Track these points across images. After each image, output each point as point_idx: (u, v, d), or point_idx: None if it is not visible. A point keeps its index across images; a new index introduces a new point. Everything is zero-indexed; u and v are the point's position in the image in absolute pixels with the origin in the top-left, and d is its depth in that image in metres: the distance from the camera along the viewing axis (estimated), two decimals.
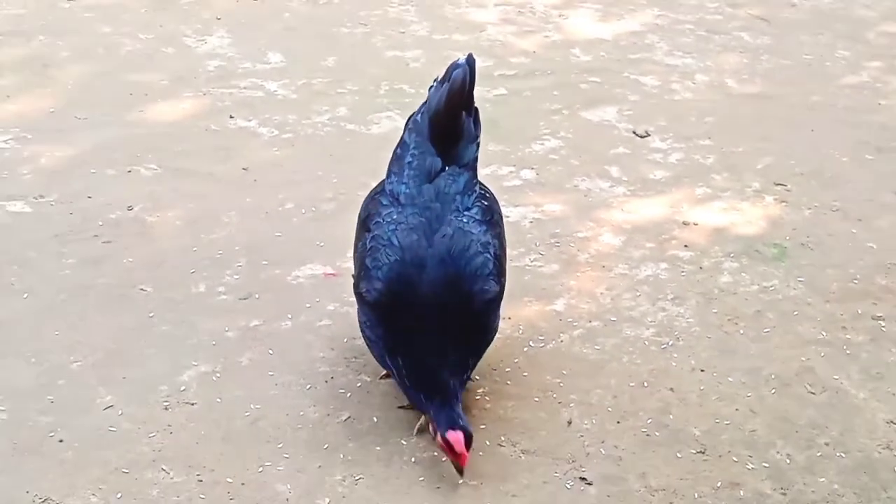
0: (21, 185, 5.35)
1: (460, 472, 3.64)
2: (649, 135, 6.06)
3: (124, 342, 4.30)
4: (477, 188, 3.95)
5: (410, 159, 3.90)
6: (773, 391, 4.13)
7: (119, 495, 3.59)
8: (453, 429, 3.59)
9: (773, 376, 4.20)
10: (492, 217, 3.92)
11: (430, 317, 3.67)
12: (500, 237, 3.96)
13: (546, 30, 7.51)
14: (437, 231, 3.75)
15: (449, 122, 3.86)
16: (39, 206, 5.18)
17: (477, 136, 3.97)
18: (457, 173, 3.88)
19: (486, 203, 3.93)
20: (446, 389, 3.67)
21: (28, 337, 4.31)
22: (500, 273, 3.85)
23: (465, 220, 3.79)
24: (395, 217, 3.81)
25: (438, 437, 3.63)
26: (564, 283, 4.74)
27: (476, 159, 3.99)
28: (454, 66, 3.80)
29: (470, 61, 3.81)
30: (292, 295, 4.56)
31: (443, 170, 3.86)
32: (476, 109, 3.95)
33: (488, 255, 3.77)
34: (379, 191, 4.01)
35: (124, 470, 3.69)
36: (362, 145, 5.87)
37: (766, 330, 4.47)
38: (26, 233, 4.98)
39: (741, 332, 4.46)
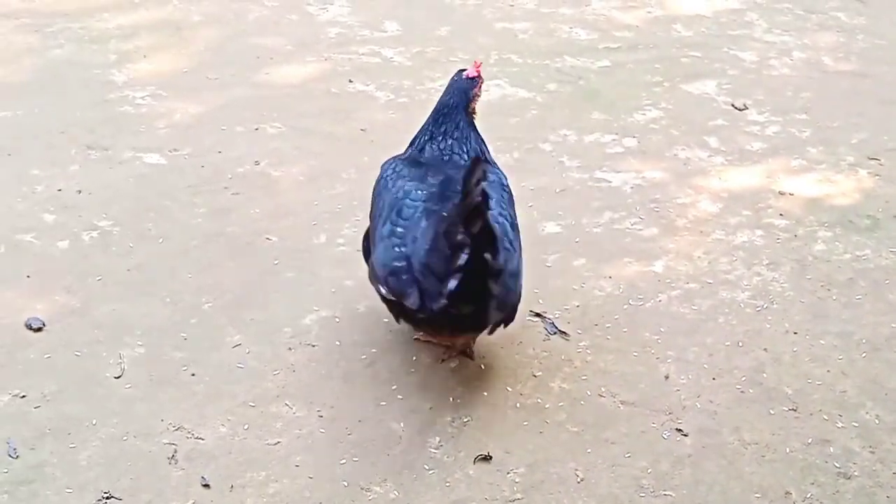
0: (157, 138, 5.45)
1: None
2: (747, 108, 5.98)
3: (251, 286, 4.37)
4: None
5: None
6: (864, 355, 4.07)
7: (246, 426, 3.67)
8: None
9: (863, 341, 4.14)
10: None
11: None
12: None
13: (649, 5, 7.42)
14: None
15: None
16: (174, 159, 5.28)
17: None
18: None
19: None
20: None
21: (163, 279, 4.41)
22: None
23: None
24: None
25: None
26: (663, 246, 4.71)
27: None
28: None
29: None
30: None
31: None
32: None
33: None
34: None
35: (251, 404, 3.77)
36: None
37: (857, 297, 4.40)
38: (162, 183, 5.07)
39: (834, 297, 4.39)
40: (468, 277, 3.31)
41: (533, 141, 5.53)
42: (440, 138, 3.99)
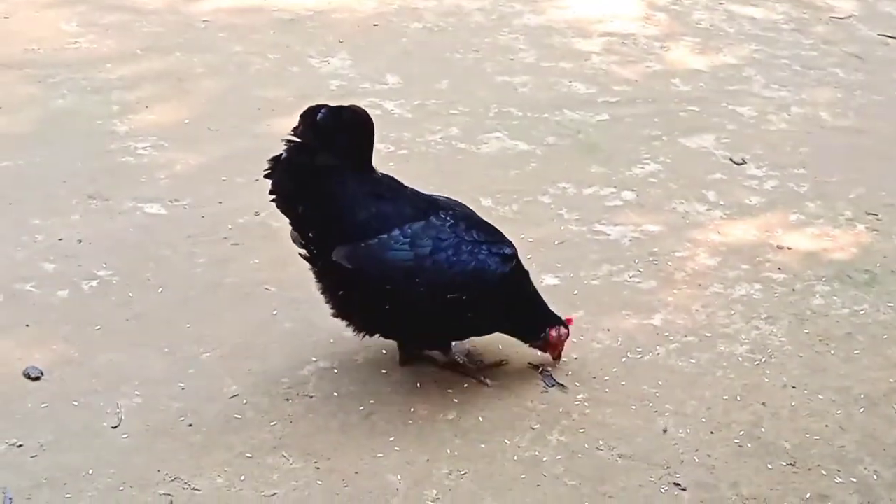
0: (158, 189, 5.47)
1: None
2: (745, 162, 6.01)
3: (250, 337, 4.38)
4: None
5: None
6: (862, 410, 4.08)
7: (242, 478, 3.67)
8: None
9: (862, 396, 4.16)
10: None
11: None
12: None
13: (648, 60, 7.47)
14: None
15: None
16: (174, 209, 5.30)
17: None
18: None
19: None
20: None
21: (162, 329, 4.42)
22: None
23: None
24: None
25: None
26: (662, 299, 4.72)
27: None
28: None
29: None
30: None
31: None
32: None
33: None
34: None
35: (248, 455, 3.77)
36: (472, 163, 5.90)
37: (856, 351, 4.42)
38: (161, 233, 5.09)
39: (832, 352, 4.41)
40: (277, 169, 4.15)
41: (532, 193, 5.56)
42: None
